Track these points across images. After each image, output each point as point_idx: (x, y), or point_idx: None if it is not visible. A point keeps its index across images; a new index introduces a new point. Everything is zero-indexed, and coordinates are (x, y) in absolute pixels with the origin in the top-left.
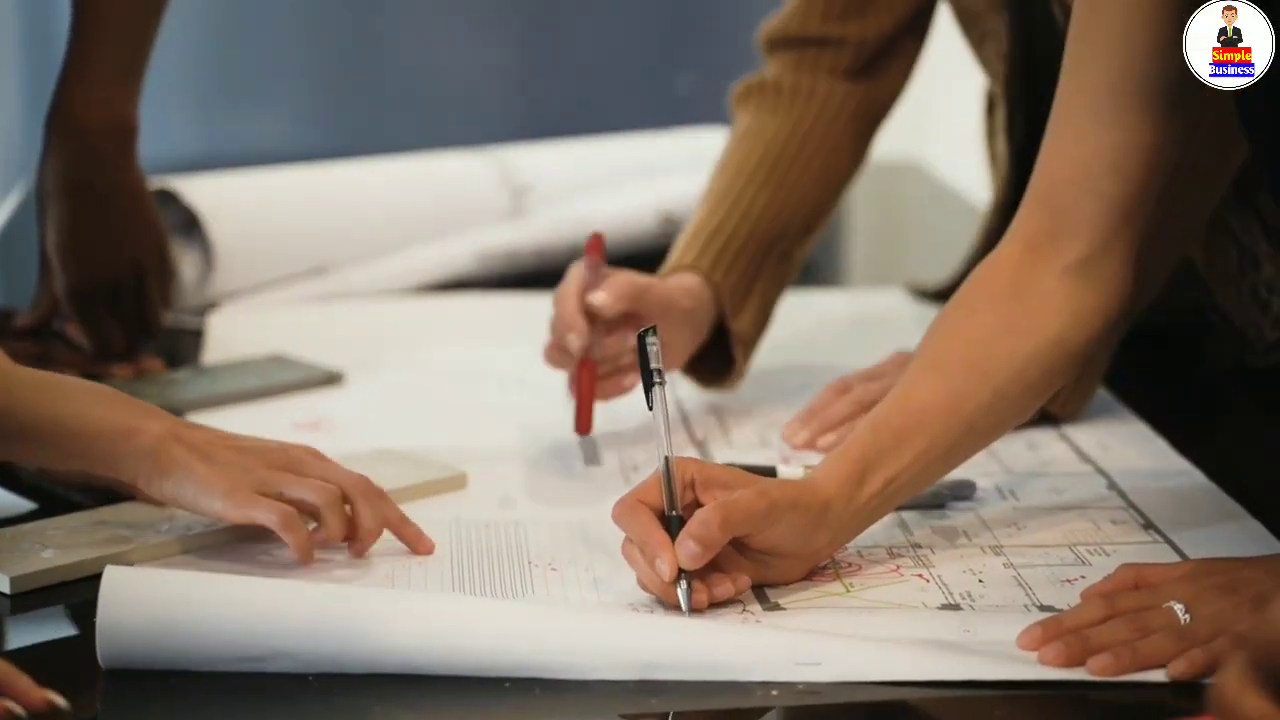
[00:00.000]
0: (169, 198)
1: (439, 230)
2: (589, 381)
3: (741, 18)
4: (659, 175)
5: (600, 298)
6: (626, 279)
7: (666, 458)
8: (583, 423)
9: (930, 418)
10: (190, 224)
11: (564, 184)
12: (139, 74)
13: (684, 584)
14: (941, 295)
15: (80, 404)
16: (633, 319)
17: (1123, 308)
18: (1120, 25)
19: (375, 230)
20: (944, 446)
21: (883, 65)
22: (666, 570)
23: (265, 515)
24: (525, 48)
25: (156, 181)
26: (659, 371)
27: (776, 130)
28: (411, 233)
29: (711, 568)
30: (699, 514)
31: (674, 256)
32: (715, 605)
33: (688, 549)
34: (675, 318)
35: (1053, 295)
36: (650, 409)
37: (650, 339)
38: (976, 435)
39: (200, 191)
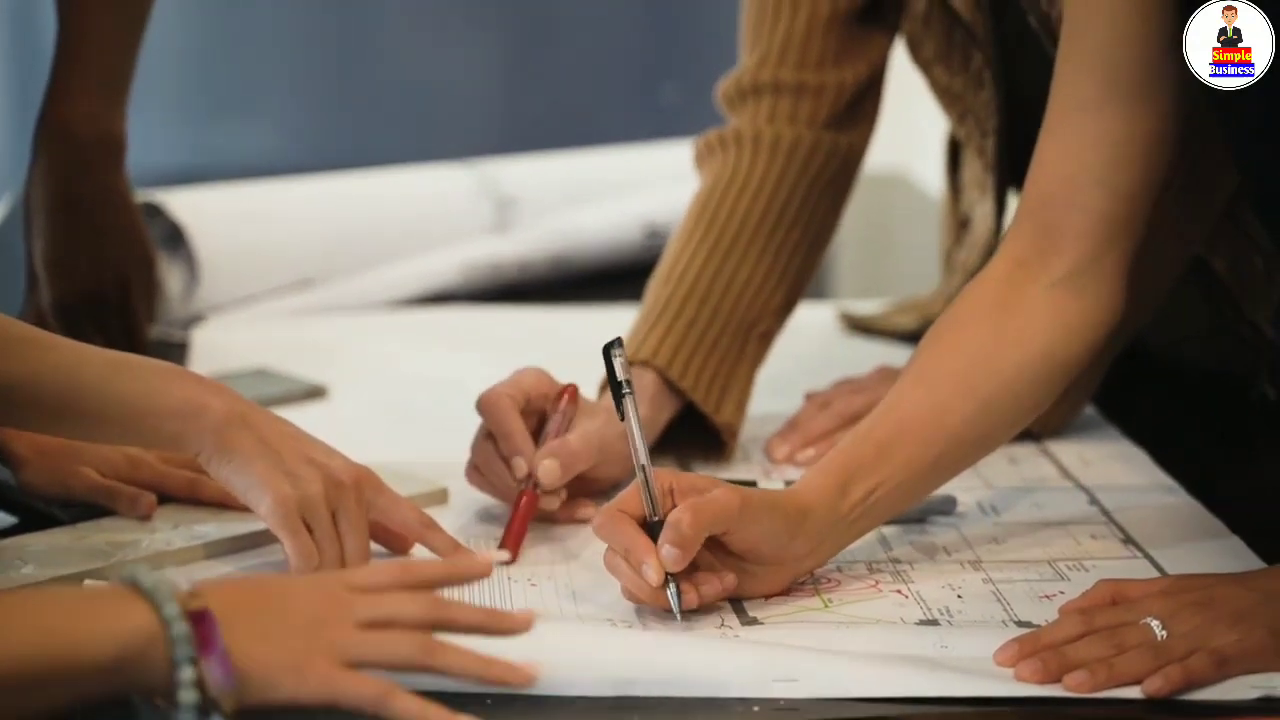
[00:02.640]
0: (154, 211)
1: (423, 243)
2: (530, 505)
3: (726, 30)
4: (644, 187)
5: (546, 475)
6: (577, 451)
7: (643, 465)
8: (515, 542)
9: (913, 429)
10: (175, 237)
11: (549, 196)
12: (125, 86)
13: (672, 587)
14: (871, 327)
15: (150, 383)
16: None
17: (1116, 320)
18: (1105, 40)
19: (360, 243)
20: (928, 459)
21: (857, 114)
22: (654, 575)
23: (293, 551)
24: (510, 61)
25: (141, 194)
26: (627, 382)
27: (758, 188)
28: (396, 246)
29: (697, 570)
30: (670, 516)
31: (639, 340)
32: (701, 609)
33: (666, 552)
34: (611, 463)
35: (1041, 309)
36: (621, 420)
37: (615, 351)
38: (964, 447)
39: (185, 205)
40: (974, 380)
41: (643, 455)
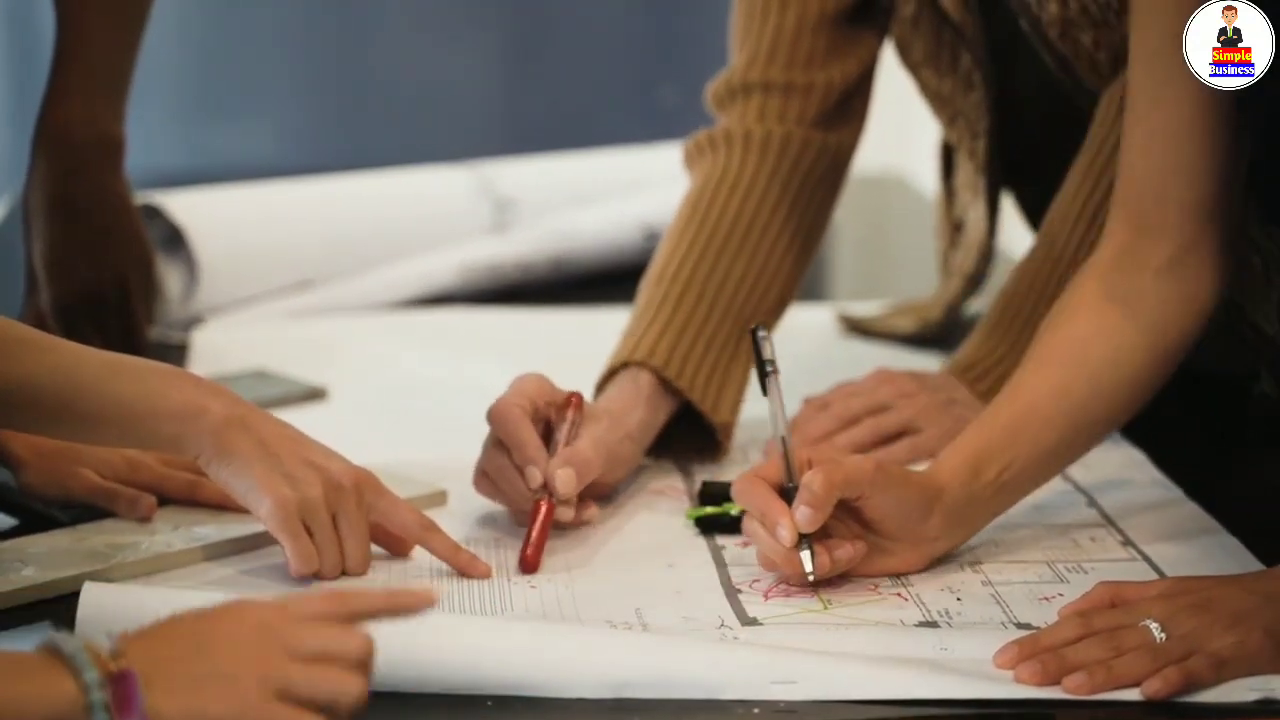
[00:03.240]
0: (153, 212)
1: (422, 245)
2: (549, 514)
3: (724, 33)
4: (643, 189)
5: (562, 484)
6: (590, 459)
7: (783, 436)
8: (532, 559)
9: (1037, 410)
10: (174, 239)
11: (547, 198)
12: (124, 88)
13: (806, 549)
14: (870, 329)
15: (149, 385)
16: None
17: (1219, 299)
18: (1167, 31)
19: (359, 245)
20: (1053, 438)
21: (846, 113)
22: (787, 535)
23: (293, 553)
24: (509, 63)
25: (141, 196)
26: (771, 363)
27: (749, 186)
28: (395, 247)
29: (830, 537)
30: (805, 477)
31: (635, 340)
32: (701, 622)
33: (800, 513)
34: (615, 467)
35: (1145, 295)
36: (765, 395)
37: (761, 333)
38: (1085, 426)
39: (184, 206)
40: (1090, 363)
41: (783, 427)
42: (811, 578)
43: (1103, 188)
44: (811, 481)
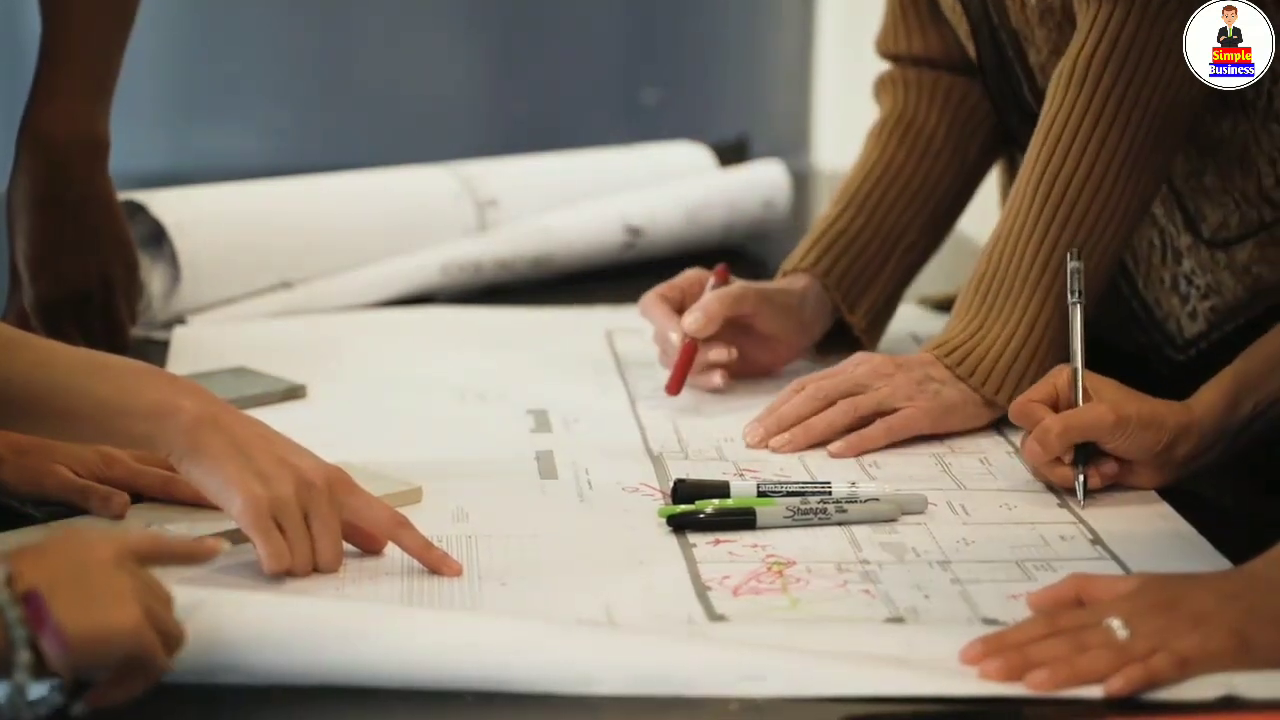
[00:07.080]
0: (137, 210)
1: (405, 244)
2: (686, 352)
3: (706, 32)
4: (623, 189)
5: (692, 323)
6: (722, 294)
7: (1076, 367)
8: (675, 383)
9: None
10: (158, 237)
11: (529, 198)
12: (109, 88)
13: (1081, 476)
14: (946, 306)
15: (122, 383)
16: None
17: None
18: None
19: (341, 244)
20: None
21: (969, 64)
22: (1048, 448)
23: (265, 551)
24: (491, 63)
25: (124, 195)
26: (1081, 293)
27: (922, 124)
28: (377, 247)
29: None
30: (1045, 421)
31: (799, 255)
32: (669, 616)
33: (1029, 446)
34: (775, 313)
35: None
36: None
37: (1072, 265)
38: None
39: (168, 205)
40: None
41: (1077, 358)
42: (1082, 502)
43: (1055, 165)
44: (1049, 428)
